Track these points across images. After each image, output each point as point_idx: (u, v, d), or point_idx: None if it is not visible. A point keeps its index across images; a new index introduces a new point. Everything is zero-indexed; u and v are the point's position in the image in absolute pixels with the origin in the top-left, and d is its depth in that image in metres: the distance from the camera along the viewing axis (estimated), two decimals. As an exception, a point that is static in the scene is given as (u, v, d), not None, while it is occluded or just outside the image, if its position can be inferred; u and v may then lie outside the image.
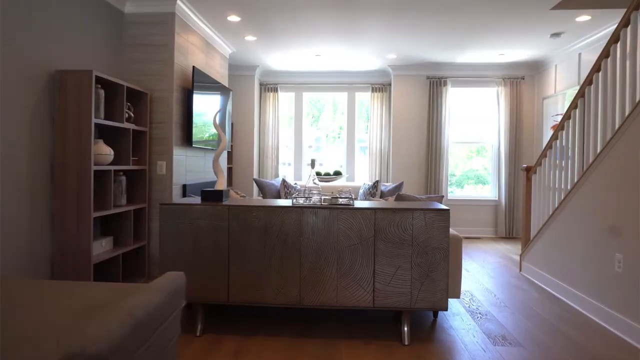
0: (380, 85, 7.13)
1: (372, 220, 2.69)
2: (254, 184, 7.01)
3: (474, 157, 7.14)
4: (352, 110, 7.36)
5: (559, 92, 5.97)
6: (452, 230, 3.20)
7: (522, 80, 6.74)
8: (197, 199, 3.02)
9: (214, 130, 5.11)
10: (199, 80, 4.53)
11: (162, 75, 4.17)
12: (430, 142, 6.81)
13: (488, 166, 7.08)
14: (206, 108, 4.82)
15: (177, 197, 4.31)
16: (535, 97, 6.78)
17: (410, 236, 2.68)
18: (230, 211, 2.76)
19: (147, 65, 4.19)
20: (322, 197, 2.84)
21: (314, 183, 2.94)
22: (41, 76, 3.12)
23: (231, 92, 5.74)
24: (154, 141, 4.19)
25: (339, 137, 7.43)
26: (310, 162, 2.98)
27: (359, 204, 2.91)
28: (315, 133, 7.46)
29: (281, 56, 6.31)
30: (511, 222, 6.73)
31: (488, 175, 7.09)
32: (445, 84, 6.78)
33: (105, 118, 3.63)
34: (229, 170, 6.97)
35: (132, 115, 3.89)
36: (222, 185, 2.98)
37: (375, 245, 2.69)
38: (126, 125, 3.71)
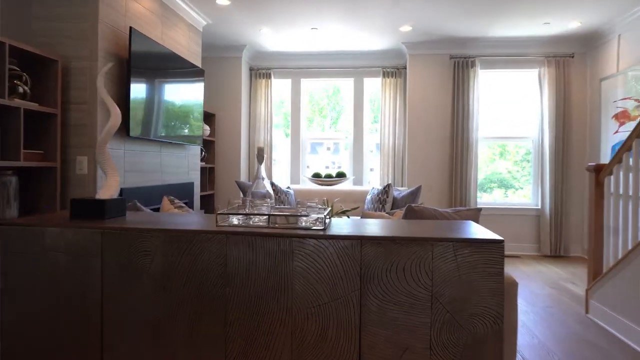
0: (394, 69, 5.86)
1: (357, 259, 1.45)
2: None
3: (497, 159, 5.84)
4: (360, 99, 6.10)
5: (623, 70, 4.61)
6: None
7: (571, 59, 5.38)
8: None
9: (184, 120, 3.95)
10: (145, 49, 3.36)
11: (82, 38, 3.02)
12: (454, 138, 5.51)
13: (512, 169, 5.78)
14: (163, 89, 3.65)
15: (106, 206, 3.13)
16: (588, 78, 5.40)
17: (429, 290, 1.42)
18: (105, 238, 1.55)
19: (59, 24, 3.03)
20: (273, 214, 1.61)
21: (265, 187, 1.73)
22: None
23: (204, 73, 4.57)
24: (71, 129, 3.04)
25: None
26: (257, 152, 1.76)
27: (338, 225, 1.66)
28: (335, 135, 6.33)
29: (272, 33, 5.11)
30: (558, 236, 5.36)
31: (513, 179, 5.77)
32: (473, 65, 5.47)
33: (-25, 91, 2.49)
34: (210, 170, 5.80)
35: (28, 90, 2.74)
36: (111, 189, 1.79)
37: (362, 307, 1.45)
38: (15, 103, 2.56)
